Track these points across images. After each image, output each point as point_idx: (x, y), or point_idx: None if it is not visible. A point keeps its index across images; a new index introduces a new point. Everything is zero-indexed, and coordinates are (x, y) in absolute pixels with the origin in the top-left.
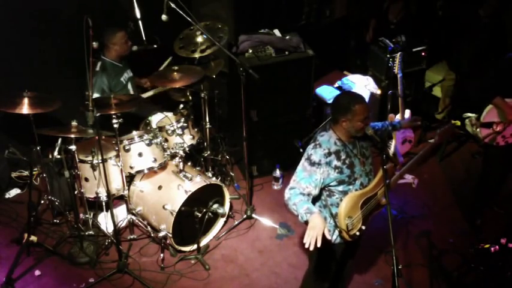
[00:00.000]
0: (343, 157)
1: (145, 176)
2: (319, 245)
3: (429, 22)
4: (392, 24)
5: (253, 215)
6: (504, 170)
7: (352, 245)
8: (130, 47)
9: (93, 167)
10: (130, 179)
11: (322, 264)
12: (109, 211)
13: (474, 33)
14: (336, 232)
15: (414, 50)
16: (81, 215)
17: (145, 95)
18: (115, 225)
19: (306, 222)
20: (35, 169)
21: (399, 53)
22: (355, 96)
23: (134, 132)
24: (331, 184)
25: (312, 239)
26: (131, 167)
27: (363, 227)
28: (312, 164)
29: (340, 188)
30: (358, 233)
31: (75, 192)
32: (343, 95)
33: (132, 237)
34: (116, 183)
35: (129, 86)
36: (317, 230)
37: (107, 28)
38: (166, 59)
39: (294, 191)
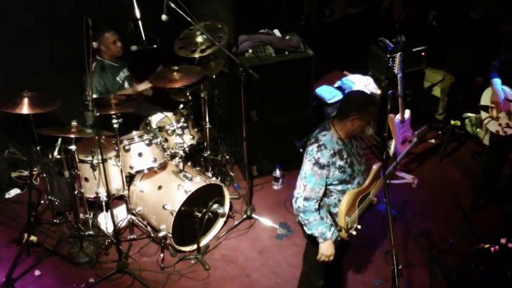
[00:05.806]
0: (345, 156)
1: (145, 176)
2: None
3: (428, 23)
4: (396, 23)
5: (253, 215)
6: (501, 159)
7: (345, 243)
8: (120, 48)
9: (93, 167)
10: (130, 179)
11: (317, 262)
12: (109, 211)
13: (471, 35)
14: (332, 229)
15: (414, 50)
16: (81, 215)
17: (141, 87)
18: (115, 225)
19: (311, 234)
20: (35, 169)
21: (399, 53)
22: (372, 97)
23: (134, 132)
24: (332, 183)
25: (325, 259)
26: (131, 167)
27: (359, 226)
28: (322, 167)
29: (339, 187)
30: (354, 233)
31: (75, 192)
32: (359, 92)
33: (132, 237)
34: (116, 183)
35: (126, 85)
36: (330, 255)
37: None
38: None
39: (309, 206)
